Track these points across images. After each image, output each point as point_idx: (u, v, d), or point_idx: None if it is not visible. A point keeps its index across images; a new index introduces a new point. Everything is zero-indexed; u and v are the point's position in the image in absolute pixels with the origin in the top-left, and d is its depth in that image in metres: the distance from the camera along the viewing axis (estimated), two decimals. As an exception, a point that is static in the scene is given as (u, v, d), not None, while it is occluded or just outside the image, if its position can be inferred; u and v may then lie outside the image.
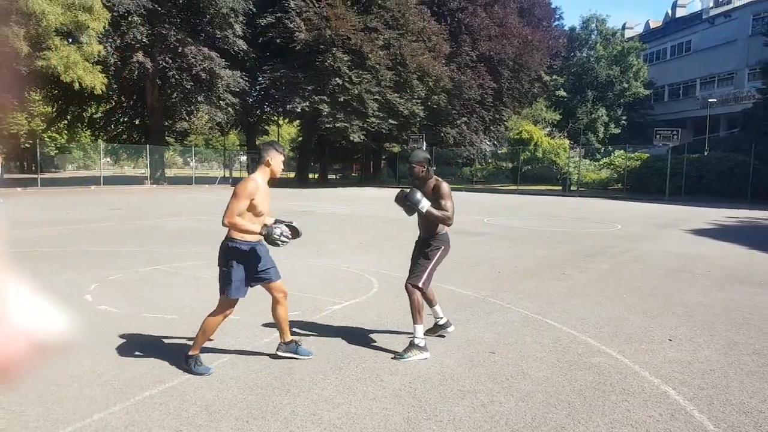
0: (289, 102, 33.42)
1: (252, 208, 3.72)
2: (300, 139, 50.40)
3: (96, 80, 23.67)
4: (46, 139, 45.95)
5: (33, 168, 56.54)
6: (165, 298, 5.92)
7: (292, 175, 43.23)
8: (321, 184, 41.39)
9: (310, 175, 46.94)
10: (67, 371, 3.78)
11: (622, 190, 32.36)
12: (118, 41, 28.81)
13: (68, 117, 35.96)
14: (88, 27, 22.80)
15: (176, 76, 30.77)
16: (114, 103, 37.10)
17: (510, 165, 42.52)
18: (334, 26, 32.35)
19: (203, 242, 9.87)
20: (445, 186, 4.30)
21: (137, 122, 38.41)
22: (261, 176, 3.84)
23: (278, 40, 33.31)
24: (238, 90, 33.04)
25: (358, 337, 4.74)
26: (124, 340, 4.48)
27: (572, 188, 33.81)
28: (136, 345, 4.35)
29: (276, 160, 3.87)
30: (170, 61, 30.08)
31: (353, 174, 55.09)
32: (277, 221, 3.93)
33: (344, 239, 11.10)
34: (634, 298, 6.41)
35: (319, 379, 3.80)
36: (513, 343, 4.66)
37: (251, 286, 3.95)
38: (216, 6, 30.35)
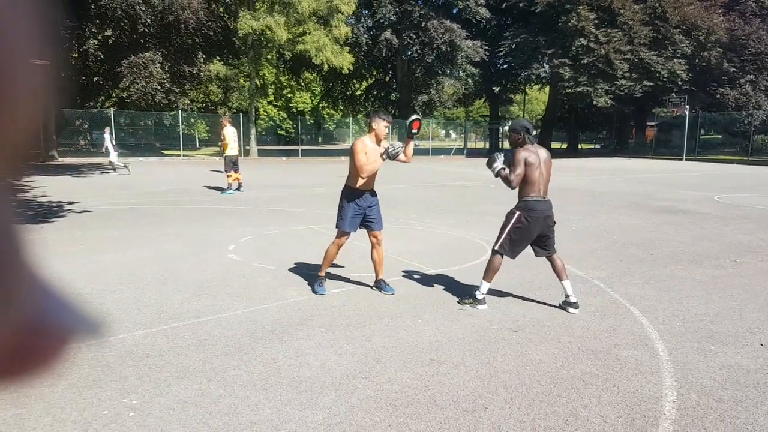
0: (528, 68, 32.50)
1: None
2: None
3: (344, 61, 26.64)
4: (324, 115, 53.27)
5: (318, 140, 66.57)
6: (284, 251, 6.79)
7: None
8: (567, 154, 39.30)
9: (558, 145, 44.89)
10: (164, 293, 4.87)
11: None
12: (370, 22, 31.71)
13: (334, 94, 41.12)
14: (340, 12, 25.68)
15: (419, 51, 32.55)
16: (373, 81, 41.05)
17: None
18: (581, -17, 30.17)
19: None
20: (519, 154, 4.47)
21: (392, 97, 41.86)
22: (369, 138, 4.78)
23: (521, 4, 32.52)
24: (477, 60, 33.39)
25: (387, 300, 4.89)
26: (223, 281, 5.44)
27: None
28: (229, 284, 5.26)
29: (379, 125, 4.73)
30: (414, 36, 31.93)
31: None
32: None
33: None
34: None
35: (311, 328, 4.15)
36: (555, 326, 4.26)
37: (359, 228, 4.98)
38: (460, -27, 30.96)
